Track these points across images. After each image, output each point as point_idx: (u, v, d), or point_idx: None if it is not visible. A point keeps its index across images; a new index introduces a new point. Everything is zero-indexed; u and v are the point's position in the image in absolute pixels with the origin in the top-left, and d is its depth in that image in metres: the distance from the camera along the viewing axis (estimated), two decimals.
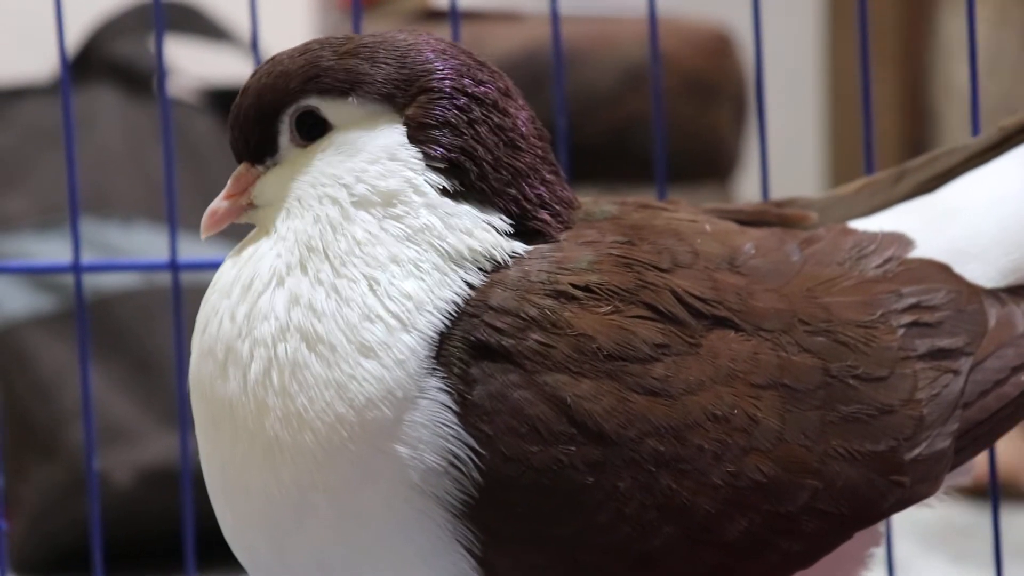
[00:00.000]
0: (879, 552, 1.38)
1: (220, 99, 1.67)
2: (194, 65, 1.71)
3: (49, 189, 1.52)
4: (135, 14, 1.61)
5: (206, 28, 1.65)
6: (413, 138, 0.66)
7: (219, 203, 0.69)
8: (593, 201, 0.73)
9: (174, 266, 0.98)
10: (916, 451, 0.68)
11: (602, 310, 0.64)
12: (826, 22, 2.30)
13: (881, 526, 0.75)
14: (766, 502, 0.65)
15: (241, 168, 0.69)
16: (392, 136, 0.66)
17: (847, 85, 1.75)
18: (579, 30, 1.59)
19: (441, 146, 0.66)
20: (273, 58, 0.69)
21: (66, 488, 1.41)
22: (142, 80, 1.63)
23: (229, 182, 0.69)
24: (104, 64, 1.62)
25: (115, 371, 1.48)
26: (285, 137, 0.68)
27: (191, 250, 1.07)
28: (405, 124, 0.66)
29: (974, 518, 1.52)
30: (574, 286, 0.64)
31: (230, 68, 1.64)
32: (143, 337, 1.50)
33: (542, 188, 0.68)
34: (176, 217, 0.98)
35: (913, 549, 1.21)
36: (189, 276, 1.00)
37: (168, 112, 0.99)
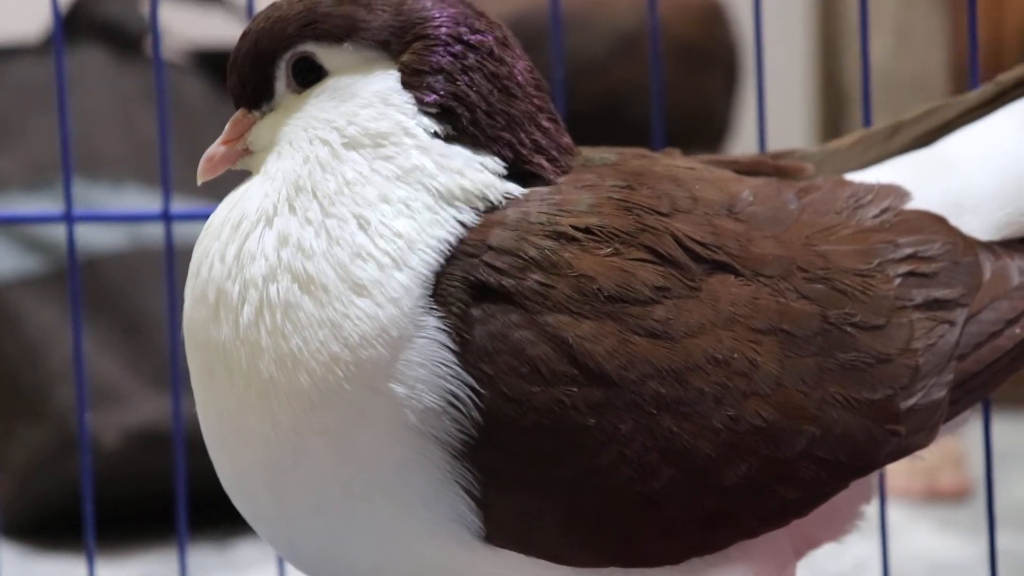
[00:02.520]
0: (871, 517, 1.39)
1: (210, 61, 1.67)
2: (185, 27, 1.70)
3: (39, 149, 1.52)
4: None
5: None
6: (407, 83, 0.67)
7: (216, 148, 0.69)
8: (592, 150, 0.73)
9: (167, 217, 0.99)
10: (912, 400, 0.69)
11: (602, 252, 0.64)
12: None
13: (873, 480, 0.77)
14: (765, 447, 0.65)
15: (238, 114, 0.70)
16: (386, 82, 0.67)
17: (836, 53, 1.74)
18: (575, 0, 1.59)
19: (434, 91, 0.67)
20: (272, 4, 0.69)
21: (54, 449, 1.41)
22: (131, 41, 1.63)
23: (227, 127, 0.69)
24: (93, 25, 1.62)
25: (104, 332, 1.47)
26: (281, 82, 0.69)
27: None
28: (399, 70, 0.67)
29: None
30: (574, 227, 0.64)
31: (221, 30, 1.64)
32: (133, 298, 1.50)
33: (538, 134, 0.69)
34: (169, 171, 0.99)
35: (898, 515, 1.21)
36: (181, 237, 1.01)
37: (162, 73, 1.00)
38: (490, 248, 0.64)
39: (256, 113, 0.69)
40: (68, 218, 1.00)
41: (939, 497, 1.53)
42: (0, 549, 1.40)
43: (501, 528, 0.64)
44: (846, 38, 1.71)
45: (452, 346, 0.62)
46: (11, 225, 1.50)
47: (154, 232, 1.37)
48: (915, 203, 0.75)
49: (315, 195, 0.65)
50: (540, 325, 0.62)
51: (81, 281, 1.44)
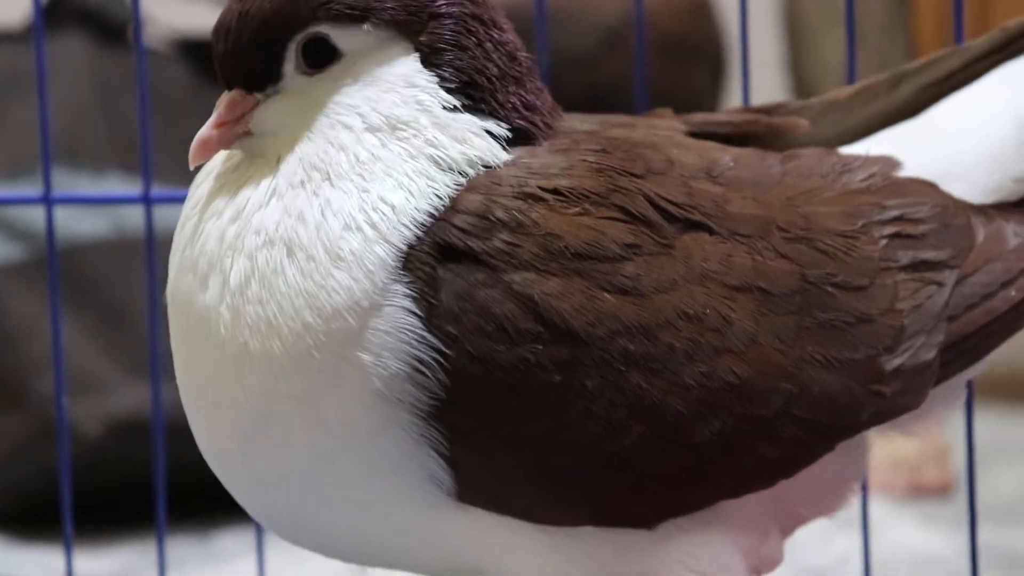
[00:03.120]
0: (853, 511, 1.39)
1: (193, 50, 1.66)
2: (168, 16, 1.70)
3: (19, 138, 1.51)
4: None
5: None
6: (427, 62, 0.67)
7: (209, 131, 0.67)
8: (576, 117, 0.73)
9: (147, 200, 0.99)
10: (898, 361, 0.69)
11: (570, 211, 0.64)
12: None
13: (864, 458, 0.76)
14: (739, 404, 0.65)
15: (234, 95, 0.68)
16: (408, 63, 0.67)
17: (811, 47, 1.74)
18: None
19: (455, 68, 0.67)
20: None
21: (33, 438, 1.41)
22: (114, 29, 1.62)
23: (220, 109, 0.68)
24: (75, 12, 1.60)
25: (85, 320, 1.47)
26: (290, 65, 0.67)
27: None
28: (418, 50, 0.67)
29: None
30: (542, 188, 0.64)
31: (204, 19, 1.63)
32: (114, 287, 1.49)
33: (532, 96, 0.69)
34: (151, 154, 0.99)
35: (881, 510, 1.21)
36: (161, 223, 1.00)
37: (144, 61, 1.00)
38: (457, 211, 0.64)
39: (259, 95, 0.68)
40: (47, 200, 1.00)
41: (922, 492, 1.53)
42: None
43: (472, 487, 0.64)
44: (807, 33, 1.70)
45: (418, 311, 0.62)
46: None
47: (135, 220, 1.35)
48: (905, 172, 0.75)
49: (328, 174, 0.65)
50: (506, 283, 0.62)
51: (62, 269, 1.44)
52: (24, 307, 1.47)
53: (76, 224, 1.49)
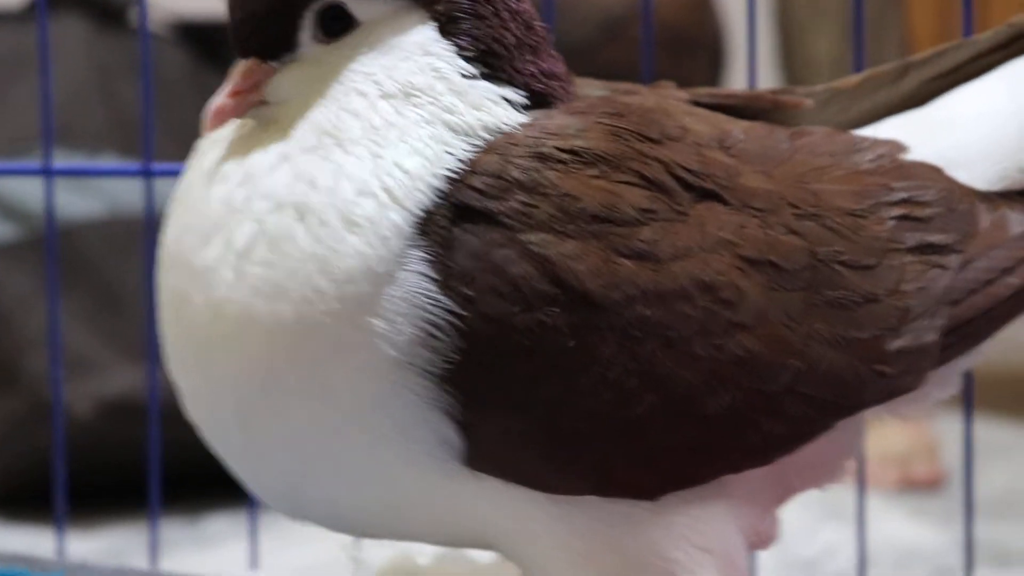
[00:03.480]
0: (843, 504, 1.39)
1: (192, 33, 1.66)
2: None
3: (18, 118, 1.51)
4: None
5: None
6: (444, 31, 0.66)
7: (224, 100, 0.66)
8: (587, 84, 0.73)
9: (147, 173, 0.99)
10: (901, 342, 0.69)
11: (588, 173, 0.64)
12: None
13: (859, 437, 0.75)
14: (748, 379, 0.65)
15: (249, 64, 0.67)
16: (425, 32, 0.66)
17: (800, 43, 1.75)
18: None
19: (472, 36, 0.66)
20: None
21: (25, 418, 1.40)
22: (112, 11, 1.61)
23: (235, 78, 0.67)
24: None
25: (79, 302, 1.46)
26: (307, 33, 0.67)
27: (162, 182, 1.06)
28: (435, 19, 0.66)
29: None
30: (559, 149, 0.64)
31: (204, 3, 1.63)
32: (109, 268, 1.49)
33: (550, 63, 0.69)
34: (152, 132, 0.99)
35: (871, 503, 1.21)
36: (161, 205, 1.00)
37: (147, 42, 1.00)
38: (474, 172, 0.63)
39: (274, 64, 0.67)
40: (47, 172, 1.00)
41: (912, 486, 1.54)
42: None
43: (483, 451, 0.64)
44: (797, 30, 1.71)
45: (433, 275, 0.62)
46: None
47: (131, 201, 1.36)
48: (912, 156, 0.75)
49: (340, 139, 0.64)
50: (522, 243, 0.62)
51: (58, 250, 1.45)
52: (18, 287, 1.46)
53: (72, 206, 1.48)
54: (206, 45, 1.68)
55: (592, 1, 1.64)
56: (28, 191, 1.45)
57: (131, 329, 1.41)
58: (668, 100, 0.72)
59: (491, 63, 0.66)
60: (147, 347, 1.00)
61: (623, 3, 1.63)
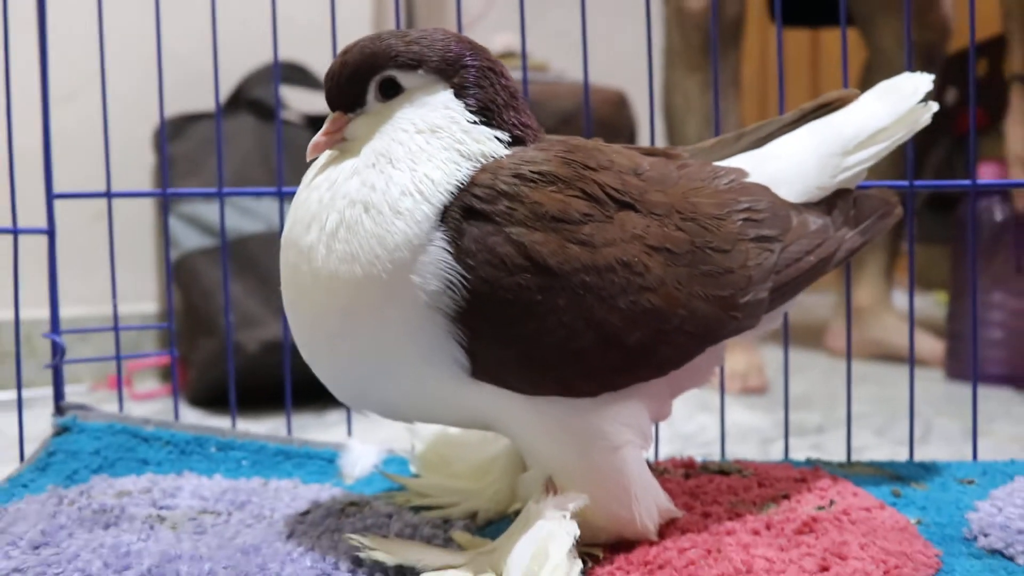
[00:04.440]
0: (710, 401, 1.32)
1: (316, 123, 1.61)
2: (300, 102, 1.65)
3: (213, 176, 1.47)
4: (267, 70, 1.56)
5: (308, 79, 1.60)
6: (458, 95, 0.64)
7: (319, 138, 0.66)
8: (552, 137, 0.69)
9: (279, 193, 0.97)
10: (747, 298, 0.67)
11: (549, 189, 0.62)
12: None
13: (722, 353, 0.73)
14: (653, 322, 0.62)
15: (336, 115, 0.66)
16: (446, 95, 0.64)
17: (678, 128, 1.71)
18: (533, 89, 1.53)
19: (476, 98, 0.64)
20: (357, 43, 0.66)
21: (219, 353, 1.37)
22: (267, 111, 1.57)
23: (326, 124, 0.66)
24: (247, 100, 1.57)
25: (250, 282, 1.44)
26: (371, 95, 0.65)
27: None
28: (452, 87, 0.64)
29: (895, 392, 1.50)
30: (531, 171, 0.62)
31: (320, 103, 1.59)
32: (267, 262, 1.45)
33: (524, 118, 0.66)
34: (282, 168, 0.96)
35: (726, 402, 1.16)
36: None
37: (280, 127, 0.95)
38: (475, 184, 0.61)
39: (351, 115, 0.66)
40: (220, 194, 0.97)
41: (749, 391, 1.51)
42: (189, 413, 1.38)
43: (482, 368, 0.62)
44: (675, 121, 1.67)
45: (450, 249, 0.60)
46: (181, 199, 1.49)
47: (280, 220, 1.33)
48: (751, 179, 0.72)
49: (390, 158, 0.62)
50: (506, 233, 0.60)
51: (234, 252, 1.43)
52: (212, 275, 1.44)
53: (245, 225, 1.48)
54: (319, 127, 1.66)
55: (553, 102, 1.60)
56: (215, 215, 1.45)
57: (279, 299, 1.37)
58: (600, 145, 0.69)
59: (487, 115, 0.64)
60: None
61: (573, 104, 1.60)
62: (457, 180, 0.61)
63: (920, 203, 1.96)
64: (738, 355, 1.53)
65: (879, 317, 1.75)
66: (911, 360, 0.91)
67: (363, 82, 0.64)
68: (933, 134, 1.94)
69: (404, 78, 0.64)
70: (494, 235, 0.59)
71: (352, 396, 0.66)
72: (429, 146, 0.62)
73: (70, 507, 0.72)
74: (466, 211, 0.60)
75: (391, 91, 0.64)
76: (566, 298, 0.60)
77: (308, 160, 0.67)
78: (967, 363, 1.53)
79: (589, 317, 0.60)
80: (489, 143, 0.63)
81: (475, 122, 0.63)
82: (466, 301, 0.59)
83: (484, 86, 0.64)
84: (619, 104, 1.70)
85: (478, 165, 0.62)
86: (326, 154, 0.66)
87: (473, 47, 0.65)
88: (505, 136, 0.64)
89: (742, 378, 1.50)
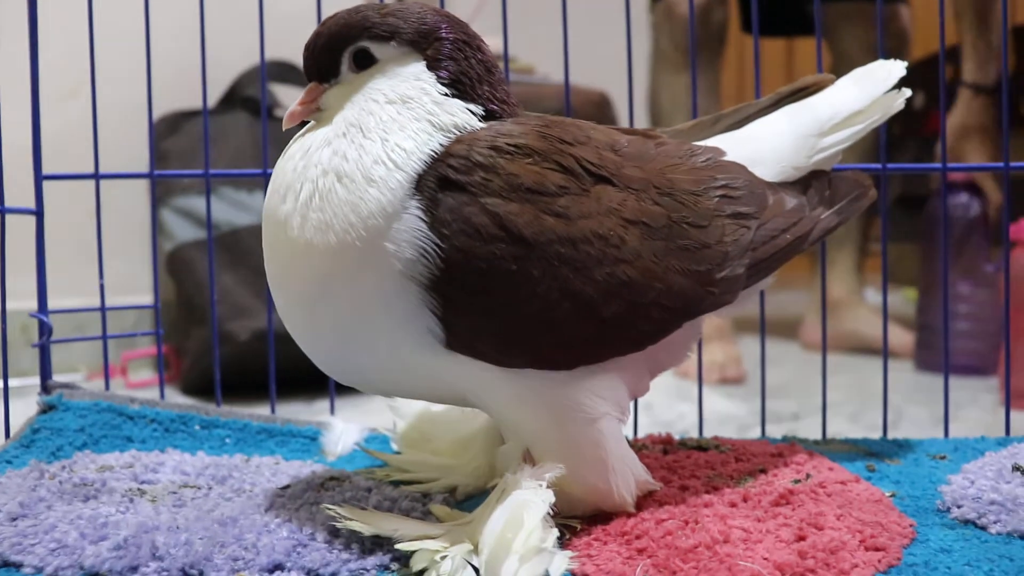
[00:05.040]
0: (688, 390, 1.30)
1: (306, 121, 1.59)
2: (291, 99, 1.61)
3: (212, 167, 1.43)
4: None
5: (299, 77, 1.57)
6: (430, 67, 0.62)
7: (295, 107, 0.64)
8: (530, 114, 0.66)
9: (265, 175, 0.92)
10: (723, 273, 0.64)
11: (525, 161, 0.59)
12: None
13: (699, 329, 0.70)
14: (629, 295, 0.60)
15: (312, 85, 0.64)
16: (418, 67, 0.62)
17: (666, 124, 1.68)
18: (519, 90, 1.50)
19: (447, 71, 0.62)
20: (334, 16, 0.64)
21: (212, 343, 1.31)
22: (260, 109, 1.54)
23: (303, 94, 0.64)
24: (240, 98, 1.54)
25: (241, 273, 1.40)
26: (345, 66, 0.63)
27: None
28: (425, 59, 0.62)
29: (868, 379, 1.48)
30: (507, 144, 0.59)
31: None
32: (259, 254, 1.40)
33: (500, 92, 0.63)
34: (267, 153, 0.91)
35: (704, 391, 1.13)
36: None
37: (265, 124, 0.92)
38: (450, 155, 0.59)
39: (326, 85, 0.64)
40: (206, 175, 0.94)
41: (727, 382, 1.50)
42: (181, 401, 1.31)
43: (457, 338, 0.59)
44: (663, 116, 1.66)
45: (424, 218, 0.57)
46: (176, 193, 1.45)
47: None
48: (728, 158, 0.70)
49: (361, 128, 0.60)
50: (482, 204, 0.57)
51: (226, 243, 1.39)
52: (205, 266, 1.40)
53: (237, 217, 1.44)
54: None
55: (538, 104, 1.55)
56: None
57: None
58: (578, 121, 0.66)
59: (459, 87, 0.62)
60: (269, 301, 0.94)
61: (558, 104, 1.55)
62: (430, 150, 0.58)
63: (890, 202, 1.94)
64: (716, 347, 1.51)
65: (852, 310, 1.73)
66: (884, 347, 0.88)
67: (337, 52, 0.62)
68: (903, 137, 1.92)
69: (377, 49, 0.62)
70: (469, 205, 0.57)
71: (333, 367, 0.63)
72: (400, 116, 0.60)
73: (51, 480, 0.69)
74: (441, 181, 0.57)
75: (365, 62, 0.62)
76: (541, 268, 0.57)
77: (284, 129, 0.65)
78: (937, 354, 1.50)
79: (564, 288, 0.57)
80: (462, 115, 0.60)
81: (447, 94, 0.61)
82: (440, 270, 0.56)
83: (457, 58, 0.62)
84: (601, 104, 1.67)
85: (451, 136, 0.59)
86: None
87: (450, 20, 0.63)
88: (478, 109, 0.61)
89: (720, 368, 1.49)
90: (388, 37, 0.62)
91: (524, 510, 0.55)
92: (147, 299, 1.62)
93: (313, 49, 0.63)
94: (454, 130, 0.60)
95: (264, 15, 0.93)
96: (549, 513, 0.57)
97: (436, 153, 0.58)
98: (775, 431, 1.11)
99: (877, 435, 1.03)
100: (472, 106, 0.61)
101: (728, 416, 1.24)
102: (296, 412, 1.23)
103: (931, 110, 1.86)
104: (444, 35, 0.62)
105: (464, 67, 0.61)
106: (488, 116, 0.61)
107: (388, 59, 0.62)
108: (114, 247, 1.43)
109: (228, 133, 1.46)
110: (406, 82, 0.61)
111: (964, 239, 1.50)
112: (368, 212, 0.56)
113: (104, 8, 0.91)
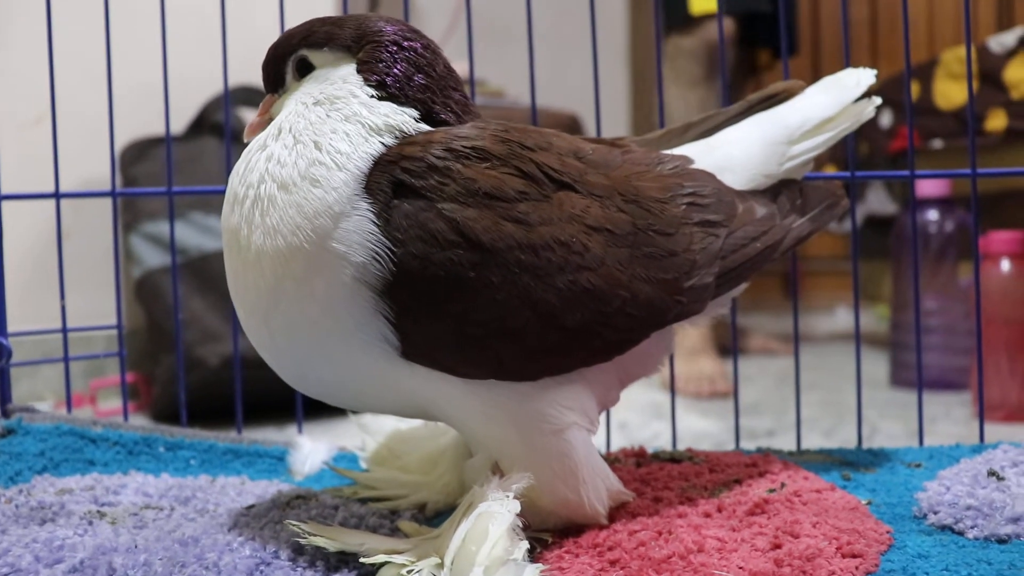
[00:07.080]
0: (662, 408, 1.29)
1: None
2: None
3: (176, 199, 1.40)
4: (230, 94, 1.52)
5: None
6: (359, 69, 0.61)
7: (253, 119, 0.65)
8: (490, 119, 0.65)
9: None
10: (691, 282, 0.63)
11: (483, 165, 0.57)
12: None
13: (672, 340, 0.69)
14: (593, 303, 0.58)
15: (268, 97, 0.65)
16: (347, 69, 0.61)
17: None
18: (489, 114, 1.49)
19: (375, 72, 0.61)
20: (287, 30, 0.64)
21: (176, 367, 1.29)
22: (232, 134, 1.51)
23: (260, 105, 0.65)
24: (209, 124, 1.52)
25: (210, 298, 1.37)
26: (290, 75, 0.63)
27: None
28: (355, 62, 0.61)
29: (843, 397, 1.47)
30: (464, 147, 0.57)
31: None
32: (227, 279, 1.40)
33: (448, 99, 0.62)
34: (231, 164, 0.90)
35: (678, 408, 1.12)
36: None
37: (229, 146, 0.91)
38: (404, 157, 0.57)
39: (276, 95, 0.64)
40: (169, 192, 0.93)
41: (716, 395, 1.51)
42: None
43: (413, 347, 0.57)
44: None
45: (376, 221, 0.55)
46: (130, 198, 1.44)
47: None
48: (696, 166, 0.69)
49: (291, 131, 0.59)
50: (438, 209, 0.55)
51: (196, 268, 1.37)
52: (170, 291, 1.37)
53: (205, 243, 1.41)
54: None
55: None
56: (179, 236, 1.39)
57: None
58: (540, 128, 0.65)
59: (388, 89, 0.60)
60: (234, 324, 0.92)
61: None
62: (370, 151, 0.57)
63: (860, 223, 1.95)
64: (706, 362, 1.55)
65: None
66: (857, 356, 0.87)
67: (281, 62, 0.63)
68: (871, 156, 1.93)
69: (314, 56, 0.62)
70: (425, 211, 0.55)
71: (297, 380, 0.61)
72: (329, 118, 0.59)
73: (7, 505, 0.67)
74: (395, 185, 0.56)
75: (305, 70, 0.63)
76: (500, 275, 0.55)
77: (244, 141, 0.64)
78: (911, 371, 1.50)
79: (525, 296, 0.56)
80: (396, 116, 0.59)
81: (375, 96, 0.60)
82: (393, 275, 0.55)
83: (386, 60, 0.60)
84: (572, 127, 1.66)
85: (392, 138, 0.58)
86: None
87: (397, 26, 0.62)
88: (412, 111, 0.60)
89: (710, 382, 1.51)
90: (323, 43, 0.62)
91: (488, 521, 0.53)
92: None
93: (265, 62, 0.64)
94: (390, 131, 0.58)
95: (229, 40, 0.92)
96: (519, 526, 0.55)
97: (378, 155, 0.57)
98: (750, 447, 1.10)
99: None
100: (406, 108, 0.60)
101: (703, 433, 1.23)
102: (267, 436, 1.21)
103: (898, 128, 1.87)
104: (378, 39, 0.61)
105: (397, 69, 0.60)
106: (430, 119, 0.60)
107: (323, 64, 0.62)
108: (81, 275, 1.40)
109: (197, 159, 1.44)
110: (334, 84, 0.60)
111: (937, 254, 1.51)
112: (313, 211, 0.55)
113: (73, 33, 0.90)
